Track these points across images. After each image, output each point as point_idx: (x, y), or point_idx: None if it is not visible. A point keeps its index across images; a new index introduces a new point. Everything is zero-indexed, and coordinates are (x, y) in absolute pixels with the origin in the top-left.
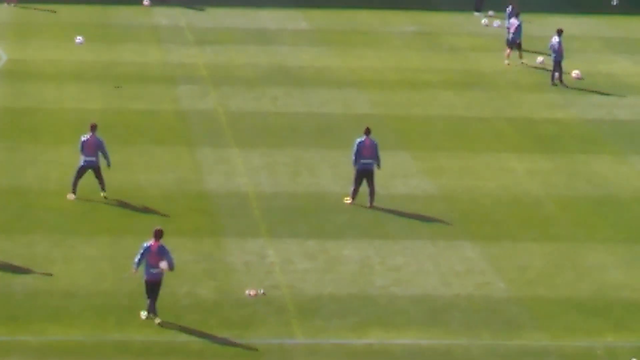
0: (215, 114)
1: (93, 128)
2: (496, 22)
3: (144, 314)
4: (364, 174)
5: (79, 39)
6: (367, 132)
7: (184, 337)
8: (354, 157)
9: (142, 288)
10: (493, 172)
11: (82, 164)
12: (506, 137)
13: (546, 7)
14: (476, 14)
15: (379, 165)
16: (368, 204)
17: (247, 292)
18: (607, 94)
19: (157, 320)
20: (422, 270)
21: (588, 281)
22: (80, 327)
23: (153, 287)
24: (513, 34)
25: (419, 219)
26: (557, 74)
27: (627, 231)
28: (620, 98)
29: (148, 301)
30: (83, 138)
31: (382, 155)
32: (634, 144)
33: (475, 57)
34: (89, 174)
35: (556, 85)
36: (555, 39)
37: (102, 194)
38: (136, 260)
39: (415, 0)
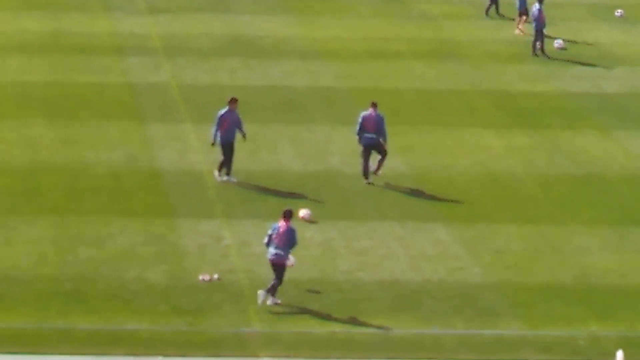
0: (168, 87)
1: (233, 102)
2: None
3: (261, 295)
4: (371, 148)
5: None
6: (374, 105)
7: (132, 325)
8: (357, 130)
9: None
10: (468, 149)
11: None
12: (483, 112)
13: None
14: None
15: (384, 140)
16: (375, 170)
17: (200, 276)
18: (592, 65)
19: (272, 301)
20: (390, 254)
21: (570, 266)
22: (21, 314)
23: (276, 268)
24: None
25: (387, 199)
26: (538, 44)
27: (613, 212)
28: (607, 69)
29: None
30: (221, 112)
31: (347, 131)
32: (621, 118)
33: (449, 26)
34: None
35: (537, 55)
36: (536, 7)
37: (225, 178)
38: (265, 241)
39: None
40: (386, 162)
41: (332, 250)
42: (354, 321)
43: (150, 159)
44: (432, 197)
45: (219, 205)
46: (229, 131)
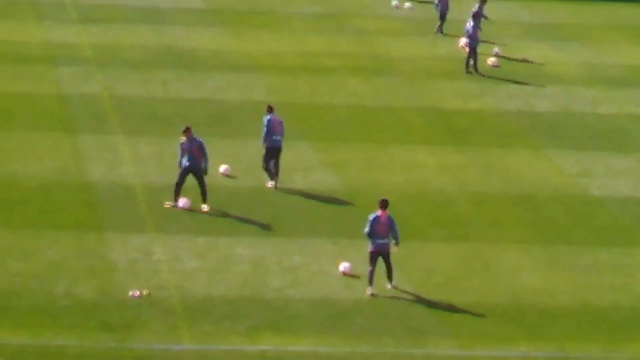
0: (99, 99)
1: (187, 131)
2: (407, 5)
3: (369, 290)
4: (276, 151)
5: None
6: (270, 109)
7: (60, 341)
8: (264, 135)
9: (366, 257)
10: (401, 166)
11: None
12: (415, 129)
13: None
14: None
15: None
16: (274, 185)
17: (130, 292)
18: (525, 84)
19: (390, 285)
20: (321, 272)
21: (501, 285)
22: None
23: (384, 257)
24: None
25: (319, 215)
26: (471, 61)
27: (544, 232)
28: (539, 88)
29: (370, 270)
30: (180, 142)
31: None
32: (553, 137)
33: (383, 42)
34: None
35: (470, 73)
36: (470, 24)
37: (203, 207)
38: (366, 231)
39: None
40: (319, 177)
41: (263, 266)
42: (284, 339)
43: (80, 171)
44: (364, 214)
45: (150, 219)
46: (190, 159)
